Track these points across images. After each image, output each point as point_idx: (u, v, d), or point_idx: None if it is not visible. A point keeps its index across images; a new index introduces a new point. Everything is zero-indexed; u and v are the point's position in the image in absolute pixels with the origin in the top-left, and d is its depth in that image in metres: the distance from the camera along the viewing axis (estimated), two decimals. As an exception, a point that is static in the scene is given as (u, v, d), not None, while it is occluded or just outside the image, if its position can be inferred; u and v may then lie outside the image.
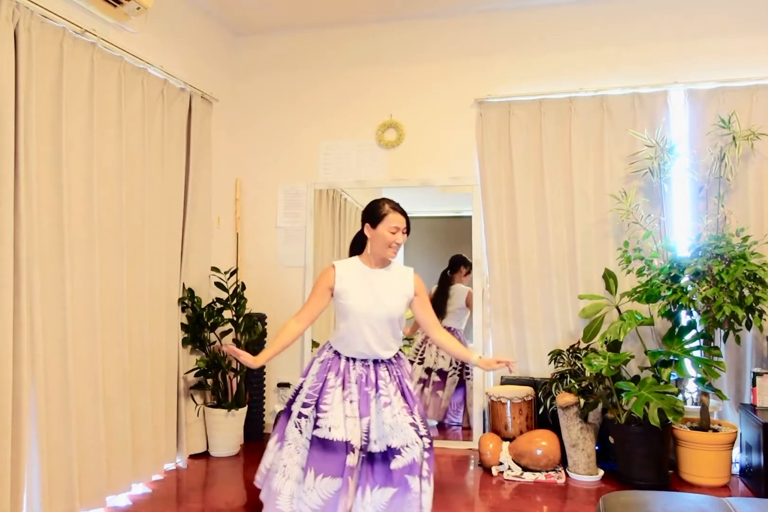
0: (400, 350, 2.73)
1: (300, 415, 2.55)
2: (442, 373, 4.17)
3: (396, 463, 2.42)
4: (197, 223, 3.81)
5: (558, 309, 3.81)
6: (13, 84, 2.54)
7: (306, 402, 2.56)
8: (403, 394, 2.57)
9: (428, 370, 4.19)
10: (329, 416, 2.49)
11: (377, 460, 2.48)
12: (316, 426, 2.50)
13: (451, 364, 4.15)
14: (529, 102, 3.89)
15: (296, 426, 2.55)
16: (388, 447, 2.46)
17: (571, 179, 3.81)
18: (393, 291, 2.60)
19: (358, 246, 2.69)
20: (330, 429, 2.47)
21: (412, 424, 2.47)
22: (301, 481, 2.47)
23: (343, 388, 2.56)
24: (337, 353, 2.64)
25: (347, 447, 2.43)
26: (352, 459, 2.42)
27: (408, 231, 2.61)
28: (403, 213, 2.60)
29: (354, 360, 2.61)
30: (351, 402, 2.53)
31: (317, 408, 2.53)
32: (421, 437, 2.45)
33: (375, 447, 2.49)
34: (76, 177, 2.86)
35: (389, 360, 2.63)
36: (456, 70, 4.10)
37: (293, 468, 2.50)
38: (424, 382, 4.18)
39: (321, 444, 2.46)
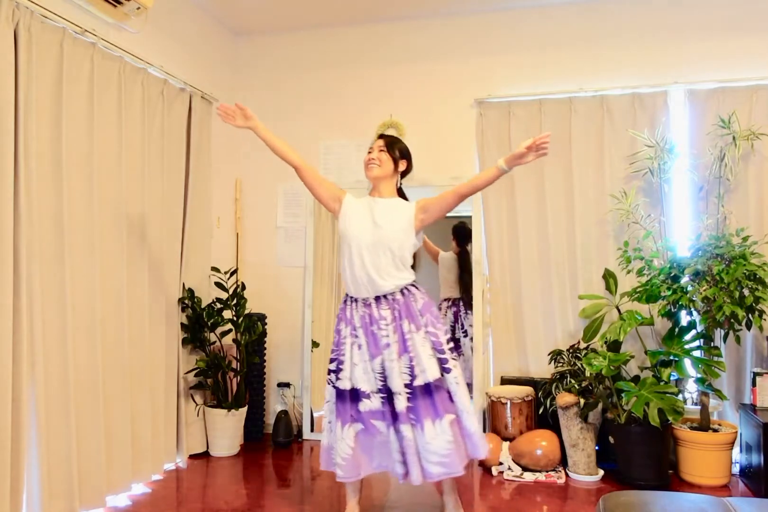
0: (414, 286, 2.63)
1: (330, 372, 2.63)
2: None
3: (395, 405, 2.48)
4: (197, 223, 3.81)
5: (558, 309, 3.81)
6: (13, 84, 2.53)
7: (331, 358, 2.65)
8: (397, 338, 2.55)
9: None
10: (344, 367, 2.57)
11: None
12: (338, 379, 2.58)
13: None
14: (529, 102, 3.89)
15: (329, 383, 2.63)
16: (388, 388, 2.53)
17: (571, 179, 3.81)
18: (393, 217, 2.61)
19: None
20: (341, 379, 2.56)
21: (399, 374, 2.50)
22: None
23: (353, 335, 2.59)
24: (345, 301, 2.66)
25: (358, 394, 2.52)
26: (367, 404, 2.50)
27: (389, 150, 2.65)
28: (382, 136, 2.74)
29: (356, 301, 2.61)
30: (359, 347, 2.57)
31: (338, 361, 2.60)
32: (404, 386, 2.48)
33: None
34: (76, 177, 2.86)
35: (393, 297, 2.57)
36: (456, 70, 4.10)
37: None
38: None
39: (339, 395, 2.56)
